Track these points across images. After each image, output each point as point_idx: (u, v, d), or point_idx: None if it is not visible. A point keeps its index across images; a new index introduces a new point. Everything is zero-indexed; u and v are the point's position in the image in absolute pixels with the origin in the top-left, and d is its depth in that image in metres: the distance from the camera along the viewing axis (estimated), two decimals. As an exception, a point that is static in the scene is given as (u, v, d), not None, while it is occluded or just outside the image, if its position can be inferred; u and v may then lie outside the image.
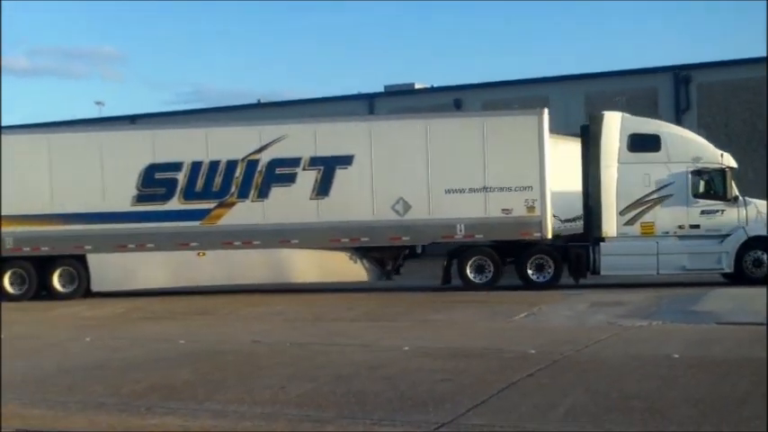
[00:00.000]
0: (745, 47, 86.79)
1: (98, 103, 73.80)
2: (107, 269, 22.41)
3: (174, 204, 22.30)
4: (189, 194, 22.27)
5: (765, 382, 9.97)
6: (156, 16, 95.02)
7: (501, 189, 21.42)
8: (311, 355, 13.01)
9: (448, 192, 21.58)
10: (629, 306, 17.77)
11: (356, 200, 21.78)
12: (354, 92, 41.61)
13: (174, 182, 22.29)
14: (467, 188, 21.55)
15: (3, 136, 22.93)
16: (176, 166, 22.29)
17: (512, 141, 21.58)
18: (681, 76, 36.24)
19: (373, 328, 16.31)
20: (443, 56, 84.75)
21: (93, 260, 22.42)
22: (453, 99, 37.85)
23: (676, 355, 12.04)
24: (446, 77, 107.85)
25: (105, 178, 22.33)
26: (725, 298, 17.92)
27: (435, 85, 42.77)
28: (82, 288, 22.56)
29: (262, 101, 45.23)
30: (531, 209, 21.36)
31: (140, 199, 22.37)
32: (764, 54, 32.90)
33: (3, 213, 22.24)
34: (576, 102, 34.95)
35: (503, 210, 21.48)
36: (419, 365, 11.83)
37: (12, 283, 22.84)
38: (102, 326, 17.62)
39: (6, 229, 22.36)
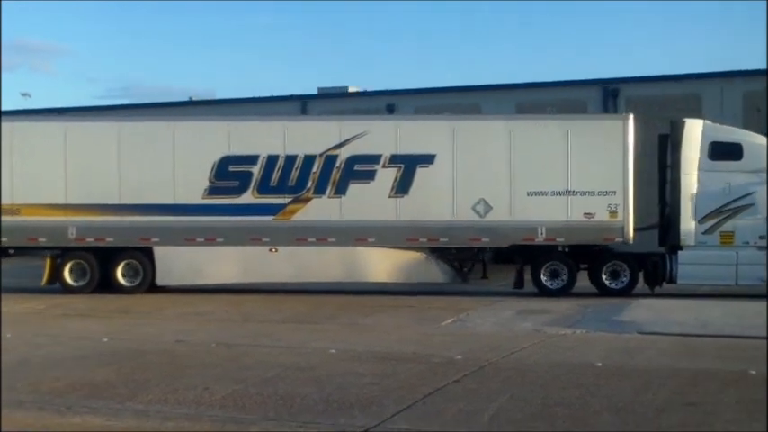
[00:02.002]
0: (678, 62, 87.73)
1: (24, 94, 72.09)
2: (174, 263, 21.87)
3: (248, 198, 21.79)
4: (263, 188, 21.79)
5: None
6: (89, 12, 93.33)
7: (583, 193, 21.22)
8: (237, 356, 12.90)
9: (530, 194, 21.30)
10: (554, 314, 17.97)
11: (436, 199, 21.49)
12: (287, 93, 41.42)
13: (248, 175, 21.78)
14: (549, 191, 21.30)
15: (69, 124, 23.03)
16: (252, 159, 21.79)
17: (596, 145, 21.43)
18: (610, 89, 36.92)
19: (301, 330, 16.26)
20: (377, 60, 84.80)
21: (160, 253, 21.81)
22: (386, 104, 37.92)
23: (599, 364, 12.22)
24: (380, 82, 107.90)
25: (177, 169, 21.75)
26: (646, 308, 18.24)
27: (369, 89, 42.89)
28: (147, 282, 21.93)
29: (193, 98, 44.73)
30: (613, 214, 21.16)
31: (212, 191, 21.82)
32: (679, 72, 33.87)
33: (67, 202, 21.76)
34: (508, 110, 35.23)
35: (585, 214, 21.25)
36: (346, 369, 11.81)
37: (72, 274, 22.18)
38: (22, 322, 17.18)
39: (70, 218, 21.73)
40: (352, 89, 42.88)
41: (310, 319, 17.87)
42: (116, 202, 21.76)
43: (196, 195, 21.77)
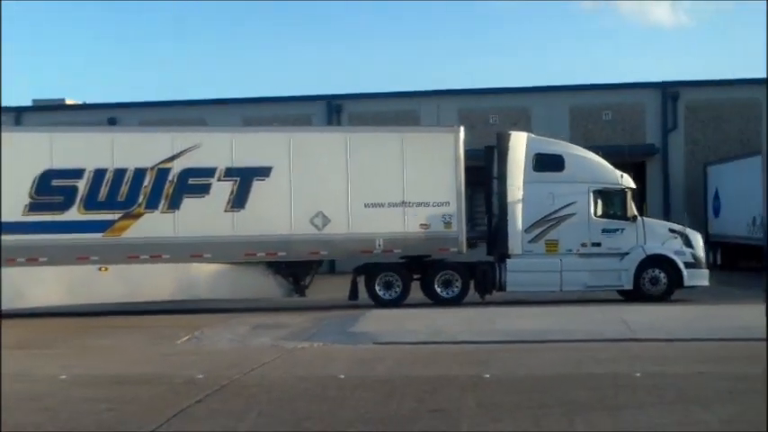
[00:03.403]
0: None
1: None
2: None
3: (74, 214, 20.40)
4: (90, 204, 20.49)
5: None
6: None
7: (419, 204, 21.30)
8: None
9: (367, 206, 21.17)
10: (290, 328, 17.90)
11: (274, 213, 20.99)
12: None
13: (73, 190, 20.36)
14: (386, 203, 21.24)
15: None
16: (77, 173, 20.41)
17: (429, 157, 21.42)
18: (334, 104, 37.65)
19: (27, 356, 15.06)
20: (96, 72, 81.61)
21: None
22: (108, 117, 36.59)
23: (342, 376, 12.26)
24: (100, 94, 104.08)
25: None
26: (380, 319, 18.55)
27: (88, 102, 41.26)
28: None
29: None
30: (448, 225, 21.32)
31: (34, 208, 20.24)
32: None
33: None
34: (234, 123, 34.98)
35: (421, 225, 21.31)
36: (81, 395, 11.10)
37: None
38: None
39: None
40: (69, 101, 41.13)
41: (35, 343, 16.70)
42: None
43: (16, 212, 20.14)
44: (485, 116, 35.12)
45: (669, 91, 36.74)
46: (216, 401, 10.67)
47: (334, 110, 37.72)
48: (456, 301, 21.50)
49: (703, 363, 12.77)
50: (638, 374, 11.81)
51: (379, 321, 18.15)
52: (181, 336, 17.07)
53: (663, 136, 36.55)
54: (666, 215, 32.52)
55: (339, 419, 9.59)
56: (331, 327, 17.87)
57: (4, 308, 19.92)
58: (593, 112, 36.58)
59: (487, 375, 12.01)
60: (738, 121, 36.31)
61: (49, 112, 38.03)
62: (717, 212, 33.05)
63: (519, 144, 21.97)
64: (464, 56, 77.97)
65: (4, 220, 20.08)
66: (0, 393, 9.99)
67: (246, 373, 12.57)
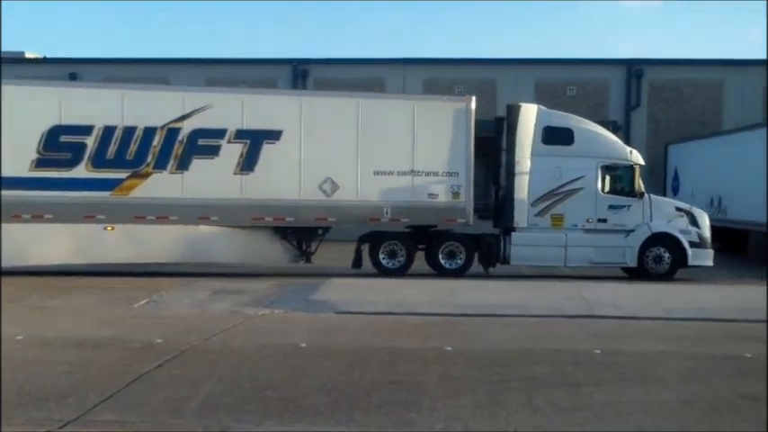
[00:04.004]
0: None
1: None
2: None
3: (81, 172, 19.98)
4: (98, 162, 20.06)
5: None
6: None
7: (428, 174, 21.08)
8: None
9: (376, 174, 20.94)
10: (251, 294, 17.80)
11: (283, 177, 20.70)
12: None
13: (81, 147, 19.94)
14: (395, 171, 21.01)
15: None
16: (85, 130, 19.97)
17: (439, 126, 21.14)
18: (299, 69, 37.36)
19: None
20: (58, 27, 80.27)
21: None
22: (69, 72, 36.02)
23: (303, 345, 12.20)
24: (61, 49, 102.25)
25: (2, 138, 19.30)
26: (340, 288, 18.48)
27: (49, 56, 40.57)
28: None
29: None
30: (456, 195, 21.13)
31: (41, 164, 19.82)
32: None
33: None
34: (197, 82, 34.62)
35: (429, 195, 21.09)
36: (37, 357, 10.96)
37: None
38: None
39: None
40: (29, 55, 40.41)
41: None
42: None
43: (22, 168, 19.77)
44: (450, 87, 34.99)
45: (634, 69, 36.92)
46: (176, 367, 10.59)
47: (300, 74, 37.45)
48: (459, 273, 21.44)
49: (662, 341, 12.87)
50: (598, 351, 11.90)
51: (340, 290, 18.07)
52: (139, 299, 16.89)
53: (626, 113, 36.75)
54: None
55: (300, 388, 9.54)
56: (292, 294, 17.79)
57: (4, 265, 19.67)
58: (558, 87, 36.61)
59: (449, 348, 12.02)
60: (700, 102, 36.61)
61: (8, 65, 37.24)
62: (675, 192, 33.30)
63: (529, 116, 21.75)
64: (432, 26, 77.68)
65: (11, 175, 19.78)
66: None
67: (206, 339, 12.48)
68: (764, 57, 37.29)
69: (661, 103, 36.92)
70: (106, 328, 13.48)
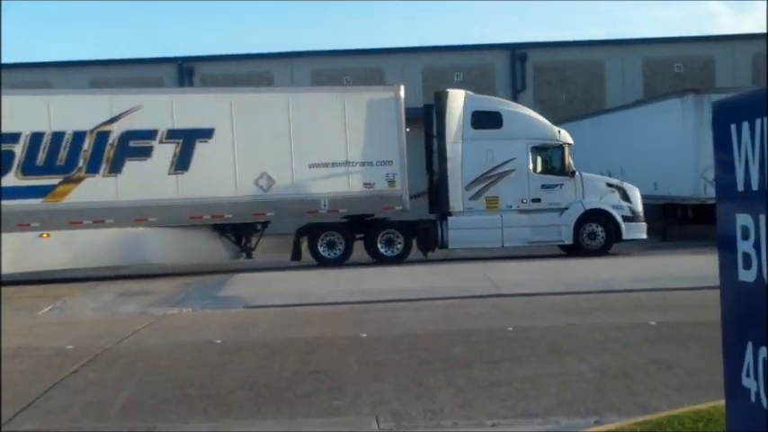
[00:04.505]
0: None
1: None
2: None
3: (11, 180, 19.61)
4: (28, 169, 19.73)
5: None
6: None
7: (363, 164, 21.23)
8: None
9: (311, 166, 20.99)
10: (156, 294, 17.60)
11: (218, 175, 20.62)
12: None
13: (9, 154, 19.55)
14: (330, 162, 21.08)
15: None
16: (12, 137, 19.54)
17: (370, 116, 21.27)
18: (185, 67, 36.92)
19: None
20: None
21: None
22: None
23: (218, 341, 12.15)
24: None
25: None
26: (248, 282, 18.44)
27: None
28: None
29: None
30: (391, 183, 21.31)
31: None
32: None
33: None
34: (81, 85, 33.93)
35: (365, 184, 21.17)
36: (-54, 370, 10.63)
37: None
38: None
39: None
40: None
41: None
42: None
43: None
44: (338, 77, 35.02)
45: (517, 52, 37.69)
46: (91, 372, 10.42)
47: (186, 72, 37.07)
48: (399, 260, 21.61)
49: (569, 315, 13.27)
50: (511, 329, 12.18)
51: (247, 285, 18.04)
52: (41, 306, 16.51)
53: (513, 96, 37.34)
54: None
55: (222, 384, 9.51)
56: (198, 292, 17.63)
57: None
58: (446, 74, 36.99)
59: (364, 335, 12.13)
60: (583, 81, 37.59)
61: None
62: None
63: (456, 102, 22.02)
64: (317, 18, 77.51)
65: None
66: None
67: (119, 342, 12.30)
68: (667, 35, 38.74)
69: (546, 84, 37.77)
70: (13, 337, 13.10)
